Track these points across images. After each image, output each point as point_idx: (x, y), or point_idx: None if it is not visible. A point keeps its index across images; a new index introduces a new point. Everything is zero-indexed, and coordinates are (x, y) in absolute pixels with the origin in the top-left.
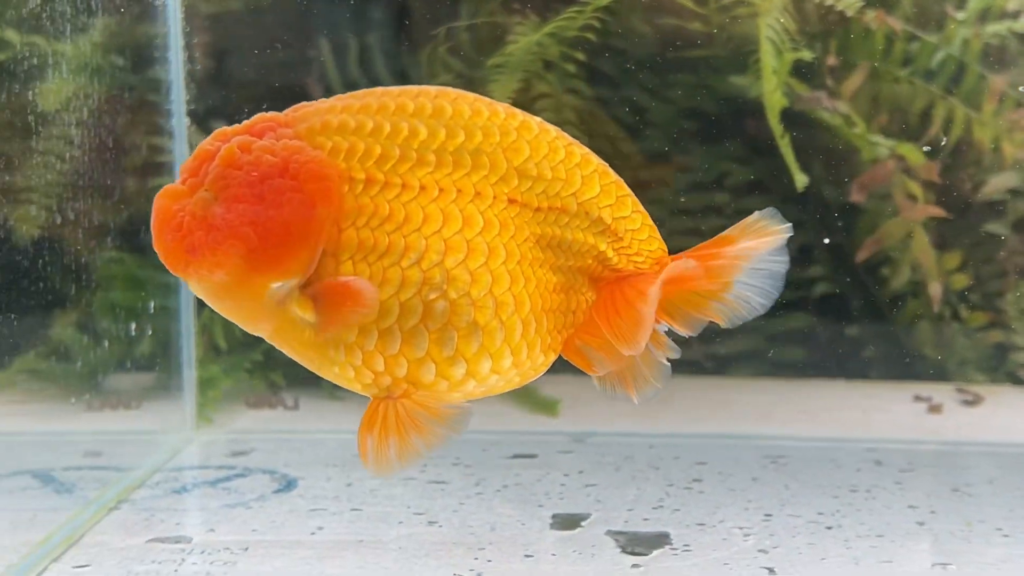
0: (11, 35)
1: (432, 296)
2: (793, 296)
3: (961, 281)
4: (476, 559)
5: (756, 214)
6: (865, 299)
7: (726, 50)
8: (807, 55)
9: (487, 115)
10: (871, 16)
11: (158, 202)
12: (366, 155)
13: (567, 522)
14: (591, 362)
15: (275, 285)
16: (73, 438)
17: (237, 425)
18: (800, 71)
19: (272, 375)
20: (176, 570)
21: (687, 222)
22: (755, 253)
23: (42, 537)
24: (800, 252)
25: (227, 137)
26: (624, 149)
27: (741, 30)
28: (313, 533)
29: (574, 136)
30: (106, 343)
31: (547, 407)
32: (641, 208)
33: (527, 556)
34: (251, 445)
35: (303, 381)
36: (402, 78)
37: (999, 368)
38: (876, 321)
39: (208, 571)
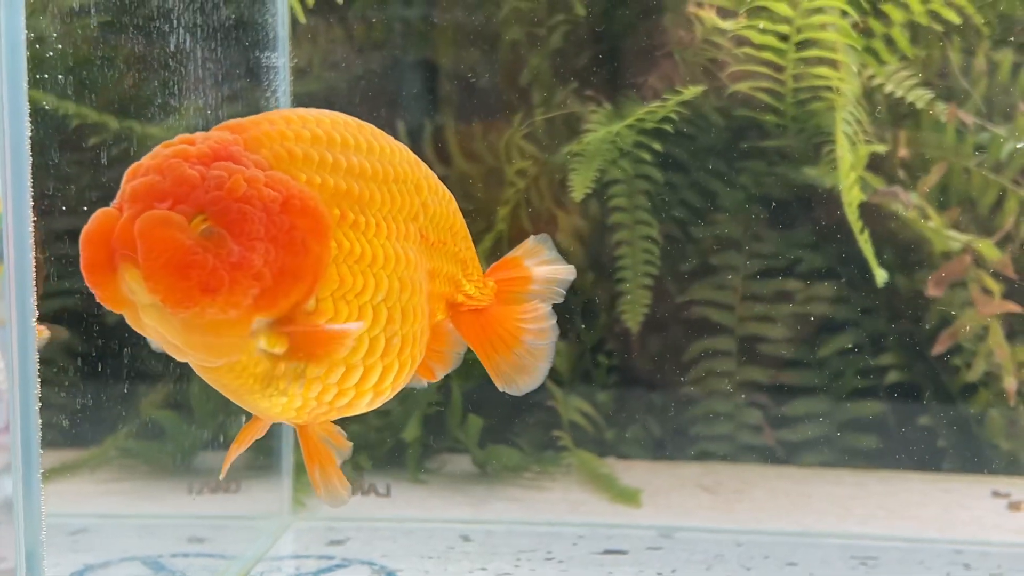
0: (152, 129)
1: (391, 332)
2: (865, 384)
3: None
4: None
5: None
6: (936, 389)
7: (799, 140)
8: (881, 148)
9: (389, 149)
10: (941, 108)
11: (160, 231)
12: (336, 191)
13: None
14: (434, 371)
15: (258, 321)
16: (175, 521)
17: (330, 511)
18: (872, 162)
19: (358, 457)
20: None
21: (758, 308)
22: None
23: None
24: (871, 340)
25: (189, 156)
26: (695, 233)
27: (815, 122)
28: None
29: (647, 220)
30: (201, 423)
31: (629, 497)
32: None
33: None
34: (346, 533)
35: (389, 464)
36: (477, 161)
37: None
38: (948, 411)
39: None
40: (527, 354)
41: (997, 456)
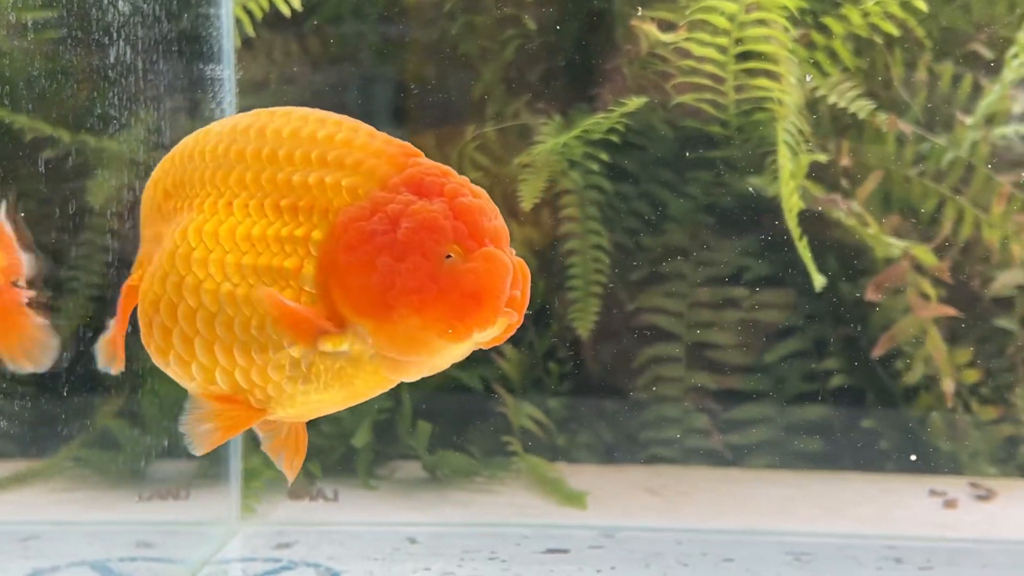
0: (63, 133)
1: None
2: (810, 388)
3: (972, 376)
4: None
5: None
6: (879, 392)
7: (743, 151)
8: (822, 157)
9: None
10: (882, 119)
11: (505, 262)
12: None
13: None
14: None
15: None
16: (125, 528)
17: (279, 516)
18: (815, 171)
19: (309, 464)
20: None
21: (706, 315)
22: None
23: None
24: (816, 345)
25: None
26: (645, 243)
27: (759, 133)
28: None
29: (597, 230)
30: (152, 432)
31: (575, 499)
32: None
33: None
34: (294, 537)
35: (340, 470)
36: None
37: (1009, 461)
38: (891, 413)
39: None
40: None
41: (938, 457)
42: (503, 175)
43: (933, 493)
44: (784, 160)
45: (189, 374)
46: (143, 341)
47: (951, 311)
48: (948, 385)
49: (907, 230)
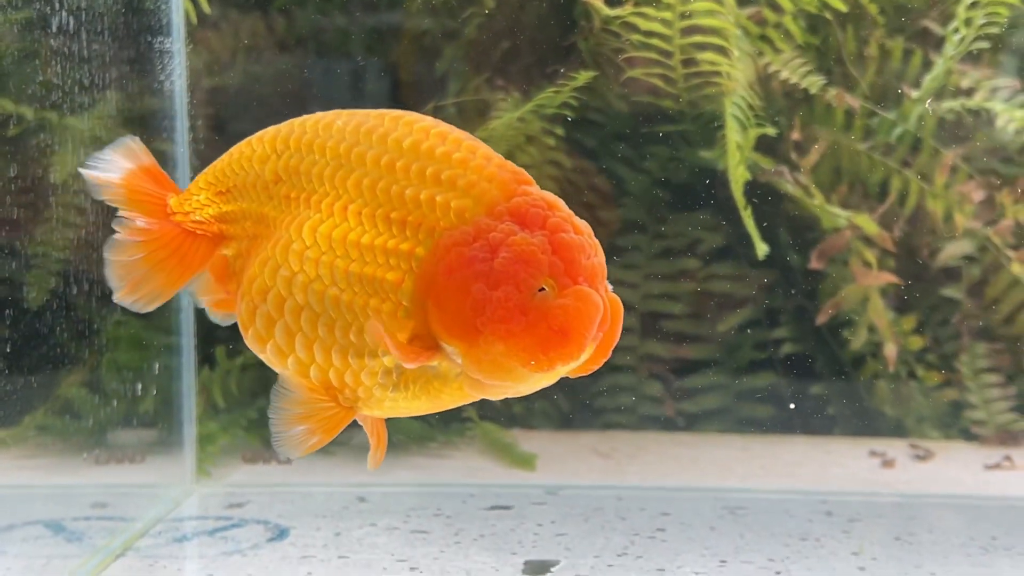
0: (26, 111)
1: None
2: (760, 356)
3: (917, 342)
4: None
5: None
6: (828, 359)
7: (697, 125)
8: (771, 131)
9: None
10: (832, 94)
11: (595, 302)
12: None
13: (538, 567)
14: None
15: None
16: (82, 490)
17: (234, 479)
18: (767, 146)
19: (266, 432)
20: None
21: (661, 286)
22: None
23: None
24: (766, 314)
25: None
26: (602, 217)
27: (710, 107)
28: None
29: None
30: (113, 401)
31: (525, 462)
32: None
33: None
34: (247, 498)
35: None
36: None
37: (953, 425)
38: (839, 380)
39: None
40: None
41: (883, 422)
42: None
43: (873, 454)
44: (732, 133)
45: (284, 364)
46: (240, 321)
47: (892, 278)
48: (890, 350)
49: (856, 202)
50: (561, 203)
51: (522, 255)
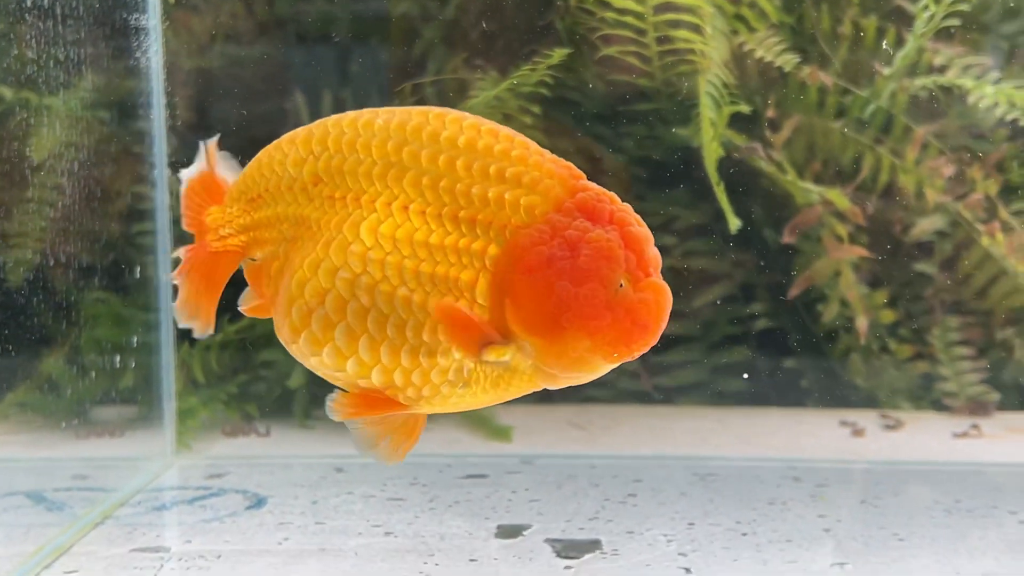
0: (5, 91)
1: None
2: (735, 331)
3: (889, 316)
4: (425, 563)
5: None
6: (802, 334)
7: (672, 103)
8: (745, 108)
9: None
10: (806, 72)
11: (669, 294)
12: None
13: (510, 532)
14: None
15: None
16: (62, 463)
17: (214, 451)
18: (743, 124)
19: (247, 407)
20: (156, 575)
21: None
22: None
23: (34, 549)
24: (742, 290)
25: None
26: None
27: (686, 85)
28: (279, 543)
29: None
30: (93, 376)
31: (502, 433)
32: None
33: (471, 560)
34: (226, 469)
35: (275, 412)
36: None
37: (925, 397)
38: (813, 354)
39: (184, 575)
40: None
41: (856, 394)
42: None
43: (843, 424)
44: (706, 110)
45: (342, 367)
46: (287, 325)
47: (863, 252)
48: (861, 323)
49: (830, 179)
50: (616, 196)
51: (603, 251)
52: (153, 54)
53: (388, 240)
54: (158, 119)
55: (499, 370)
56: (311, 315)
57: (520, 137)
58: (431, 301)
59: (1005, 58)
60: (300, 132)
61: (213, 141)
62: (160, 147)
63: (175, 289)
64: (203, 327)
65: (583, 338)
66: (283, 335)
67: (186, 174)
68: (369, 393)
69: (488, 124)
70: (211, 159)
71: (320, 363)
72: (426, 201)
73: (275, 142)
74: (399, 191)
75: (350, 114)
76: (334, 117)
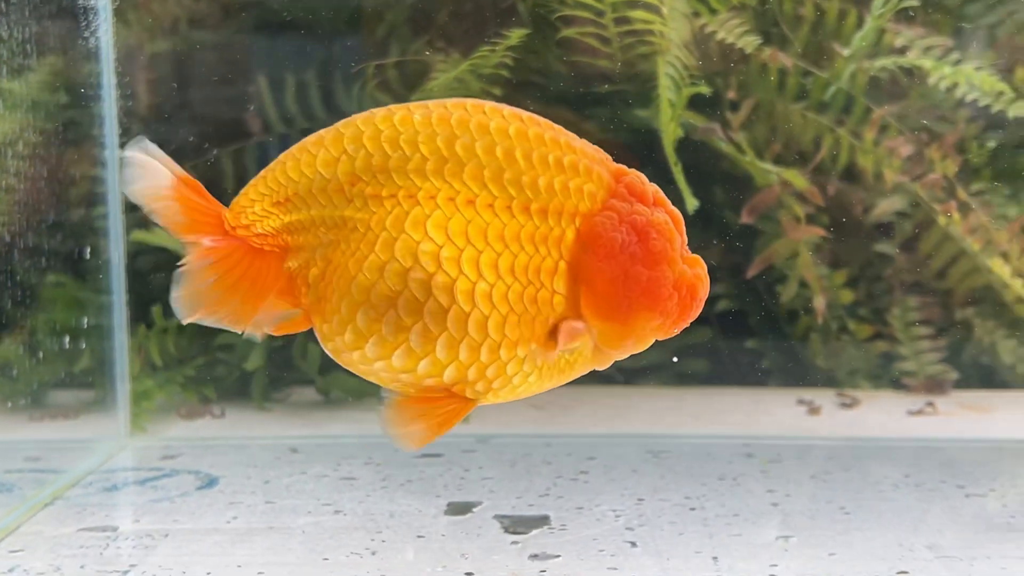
0: None
1: None
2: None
3: (848, 296)
4: (373, 540)
5: None
6: (763, 314)
7: (634, 85)
8: (705, 90)
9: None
10: (767, 54)
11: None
12: None
13: (460, 508)
14: None
15: None
16: (16, 446)
17: (169, 434)
18: (705, 106)
19: (205, 389)
20: (101, 554)
21: None
22: None
23: None
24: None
25: None
26: None
27: (647, 67)
28: (228, 522)
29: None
30: (48, 360)
31: None
32: None
33: (419, 537)
34: (180, 450)
35: (233, 394)
36: (338, 113)
37: (884, 376)
38: (773, 335)
39: (130, 554)
40: None
41: (815, 374)
42: None
43: (800, 402)
44: (664, 91)
45: (412, 368)
46: (340, 331)
47: (820, 232)
48: (819, 303)
49: (791, 160)
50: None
51: (665, 234)
52: (104, 34)
53: (460, 236)
54: (109, 101)
55: (567, 356)
56: (381, 319)
57: (547, 122)
58: (512, 294)
59: (982, 43)
60: (327, 133)
61: (146, 145)
62: (111, 129)
63: (179, 279)
64: (253, 328)
65: (654, 318)
66: (339, 343)
67: (161, 176)
68: (430, 391)
69: (521, 111)
70: (168, 159)
71: (387, 367)
72: (492, 194)
73: (299, 144)
74: (460, 186)
75: (379, 112)
76: (363, 115)
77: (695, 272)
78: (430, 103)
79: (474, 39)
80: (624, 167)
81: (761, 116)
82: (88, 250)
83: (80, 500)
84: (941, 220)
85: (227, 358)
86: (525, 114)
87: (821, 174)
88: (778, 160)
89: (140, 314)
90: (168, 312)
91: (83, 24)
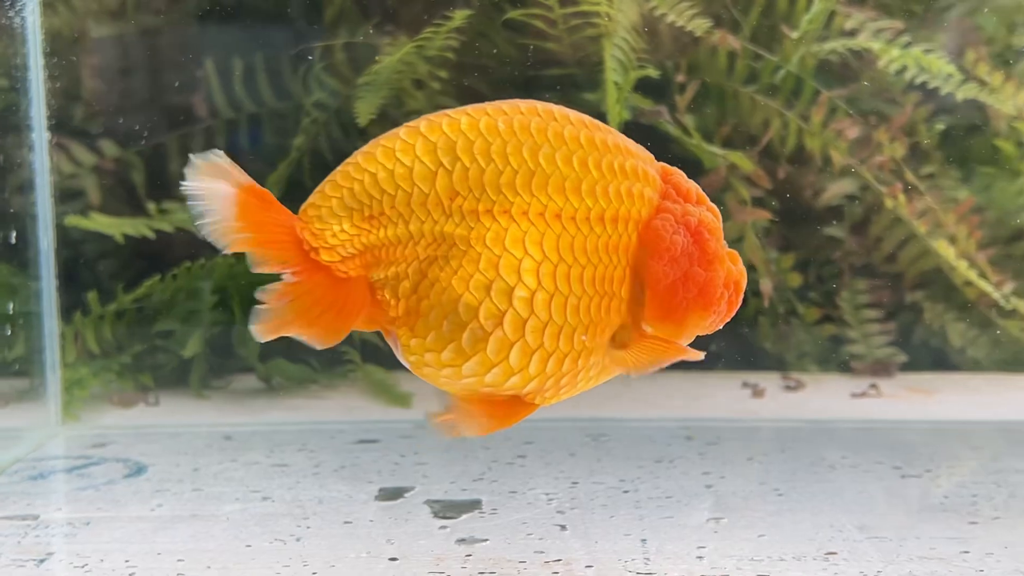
0: None
1: None
2: None
3: (796, 279)
4: (299, 526)
5: None
6: None
7: (583, 68)
8: (652, 72)
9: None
10: (717, 36)
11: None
12: None
13: (391, 494)
14: None
15: None
16: None
17: (102, 422)
18: (655, 89)
19: (142, 377)
20: (19, 542)
21: None
22: None
23: None
24: None
25: None
26: None
27: (596, 50)
28: (152, 510)
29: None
30: None
31: (401, 399)
32: None
33: (346, 523)
34: (111, 439)
35: (171, 382)
36: (287, 97)
37: (833, 360)
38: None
39: (48, 542)
40: None
41: (764, 358)
42: (348, 96)
43: (745, 385)
44: (611, 73)
45: (502, 382)
46: (438, 349)
47: (766, 215)
48: (766, 286)
49: (741, 143)
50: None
51: (715, 234)
52: (29, 13)
53: (553, 251)
54: (36, 81)
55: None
56: (488, 338)
57: (593, 120)
58: (592, 305)
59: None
60: (414, 140)
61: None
62: (39, 111)
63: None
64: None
65: (708, 317)
66: (430, 358)
67: (223, 196)
68: (492, 395)
69: (569, 111)
70: (236, 167)
71: (477, 381)
72: (573, 206)
73: (381, 151)
74: (546, 199)
75: (464, 114)
76: (446, 119)
77: (739, 268)
78: (487, 107)
79: (424, 22)
80: (667, 165)
81: (711, 99)
82: (14, 235)
83: (4, 489)
84: (888, 203)
85: (166, 345)
86: (573, 114)
87: (771, 158)
88: (728, 143)
89: (77, 301)
90: (105, 298)
91: (7, 5)
